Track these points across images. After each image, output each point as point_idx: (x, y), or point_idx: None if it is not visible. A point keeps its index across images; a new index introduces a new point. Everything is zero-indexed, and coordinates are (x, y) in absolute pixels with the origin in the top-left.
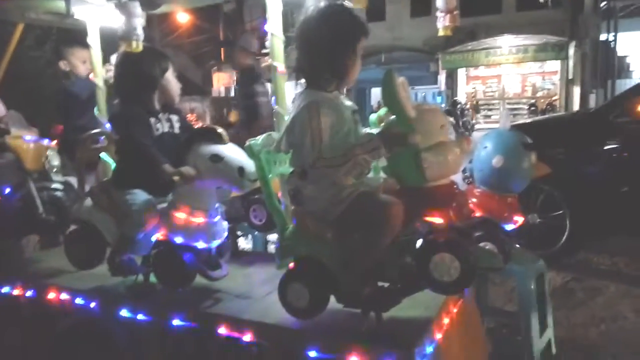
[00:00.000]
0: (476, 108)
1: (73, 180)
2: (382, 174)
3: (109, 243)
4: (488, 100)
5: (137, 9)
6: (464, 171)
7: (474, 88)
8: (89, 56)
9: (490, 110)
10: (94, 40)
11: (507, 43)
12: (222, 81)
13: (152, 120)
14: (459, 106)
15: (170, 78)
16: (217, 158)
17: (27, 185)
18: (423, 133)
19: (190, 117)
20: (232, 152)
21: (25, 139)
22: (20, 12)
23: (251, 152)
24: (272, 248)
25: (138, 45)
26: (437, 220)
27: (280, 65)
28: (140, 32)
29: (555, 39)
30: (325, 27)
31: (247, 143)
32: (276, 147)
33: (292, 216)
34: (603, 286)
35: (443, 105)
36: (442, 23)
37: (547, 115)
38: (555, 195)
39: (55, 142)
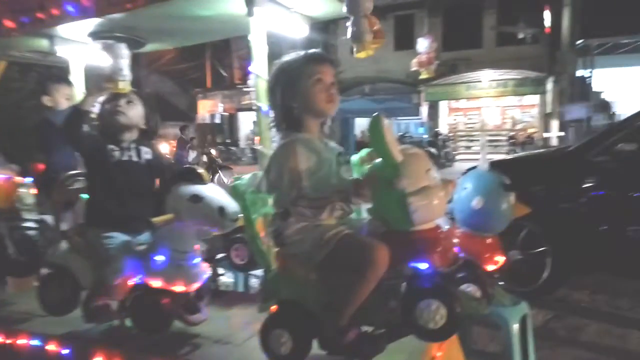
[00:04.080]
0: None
1: (50, 219)
2: (365, 215)
3: (84, 288)
4: (469, 131)
5: (124, 50)
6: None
7: (455, 120)
8: (72, 93)
9: (471, 141)
10: (76, 78)
11: (487, 77)
12: (207, 108)
13: (110, 146)
14: (440, 137)
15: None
16: (197, 198)
17: None
18: (409, 177)
19: (173, 142)
20: (212, 192)
21: None
22: (2, 50)
23: (235, 193)
24: (253, 282)
25: (124, 86)
26: (423, 265)
27: (264, 106)
28: (126, 72)
29: (534, 74)
30: (280, 72)
31: (232, 183)
32: (257, 187)
33: (275, 258)
34: (584, 325)
35: (425, 136)
36: (422, 66)
37: (527, 152)
38: (536, 232)
39: (31, 179)
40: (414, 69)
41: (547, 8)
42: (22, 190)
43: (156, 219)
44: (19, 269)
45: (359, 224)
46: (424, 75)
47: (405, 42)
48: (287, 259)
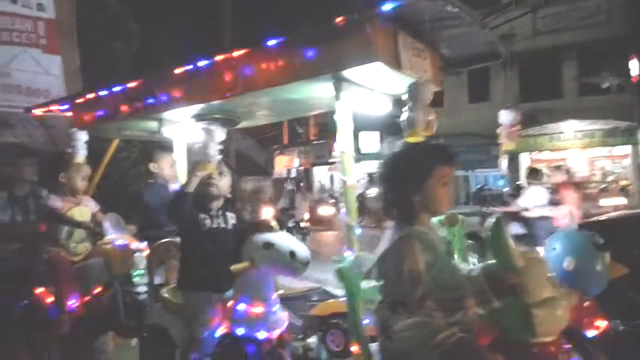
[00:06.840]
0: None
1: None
2: None
3: (179, 346)
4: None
5: (219, 132)
6: None
7: None
8: (175, 162)
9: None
10: (179, 155)
11: (571, 128)
12: (284, 163)
13: (202, 216)
14: (522, 190)
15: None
16: (269, 245)
17: (113, 287)
18: (531, 285)
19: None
20: (282, 238)
21: (115, 244)
22: (117, 131)
23: (341, 275)
24: None
25: (212, 167)
26: None
27: (349, 179)
28: (214, 153)
29: (625, 123)
30: (404, 162)
31: (337, 267)
32: (367, 273)
33: (379, 351)
34: None
35: (506, 189)
36: (506, 138)
37: (621, 212)
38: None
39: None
40: (500, 141)
41: (634, 57)
42: (136, 255)
43: (234, 267)
44: (126, 332)
45: (469, 320)
46: (507, 147)
47: (479, 95)
48: (394, 355)
